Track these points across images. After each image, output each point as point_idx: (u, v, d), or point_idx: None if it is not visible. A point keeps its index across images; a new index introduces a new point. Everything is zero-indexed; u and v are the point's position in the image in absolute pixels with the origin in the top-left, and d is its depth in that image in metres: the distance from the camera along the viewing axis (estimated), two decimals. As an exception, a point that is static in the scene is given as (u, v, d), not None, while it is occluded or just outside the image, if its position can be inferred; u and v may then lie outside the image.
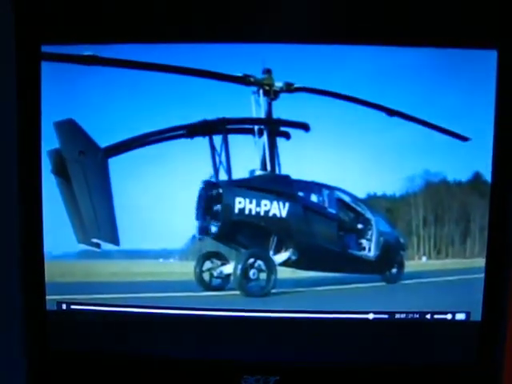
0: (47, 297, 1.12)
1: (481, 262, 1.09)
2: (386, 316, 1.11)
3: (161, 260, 1.18)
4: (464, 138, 1.07)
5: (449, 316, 1.11)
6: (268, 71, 1.09)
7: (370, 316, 1.11)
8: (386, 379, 1.11)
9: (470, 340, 1.10)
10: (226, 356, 1.12)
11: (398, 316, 1.11)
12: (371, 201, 1.15)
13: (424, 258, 1.20)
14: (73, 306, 1.13)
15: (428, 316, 1.11)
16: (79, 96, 1.09)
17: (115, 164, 1.10)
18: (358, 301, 1.13)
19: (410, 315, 1.11)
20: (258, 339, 1.12)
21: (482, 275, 1.08)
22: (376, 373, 1.11)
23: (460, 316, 1.11)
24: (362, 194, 1.14)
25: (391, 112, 1.07)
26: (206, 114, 1.09)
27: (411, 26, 1.04)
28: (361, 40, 1.05)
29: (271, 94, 1.12)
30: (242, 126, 1.15)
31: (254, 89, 1.12)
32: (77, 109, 1.09)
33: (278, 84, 1.11)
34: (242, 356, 1.12)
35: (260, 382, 1.11)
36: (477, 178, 1.08)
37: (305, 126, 1.08)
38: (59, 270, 1.12)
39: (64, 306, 1.13)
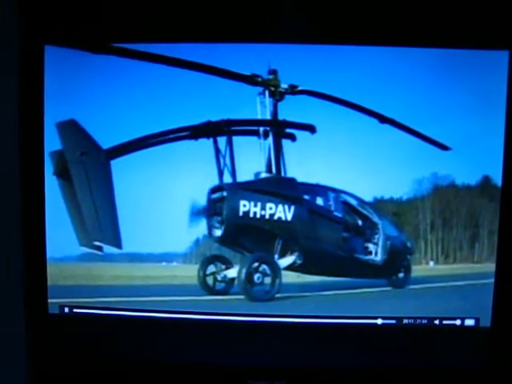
0: (50, 300, 1.11)
1: (490, 267, 1.08)
2: (394, 321, 1.10)
3: (164, 263, 1.16)
4: (445, 148, 1.06)
5: (458, 322, 1.10)
6: (274, 72, 1.07)
7: (379, 321, 1.10)
8: (394, 384, 1.10)
9: (479, 346, 1.09)
10: (232, 361, 1.11)
11: (406, 321, 1.10)
12: (378, 204, 1.14)
13: (431, 263, 1.19)
14: (75, 310, 1.13)
15: (437, 321, 1.10)
16: (81, 97, 1.08)
17: (118, 165, 1.09)
18: (366, 306, 1.12)
19: (419, 320, 1.10)
20: (264, 344, 1.11)
21: (492, 280, 1.07)
22: (383, 378, 1.10)
23: (469, 322, 1.10)
24: (368, 197, 1.12)
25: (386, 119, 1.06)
26: (211, 115, 1.07)
27: (421, 27, 1.03)
28: (367, 41, 1.04)
29: (277, 95, 1.10)
30: (247, 127, 1.13)
31: (260, 89, 1.10)
32: (79, 109, 1.08)
33: (284, 85, 1.10)
34: (248, 361, 1.11)
35: (265, 387, 1.10)
36: (486, 181, 1.06)
37: (311, 128, 1.06)
38: (61, 273, 1.11)
39: (66, 310, 1.13)
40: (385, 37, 1.03)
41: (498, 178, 1.05)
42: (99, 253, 1.10)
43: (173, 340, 1.12)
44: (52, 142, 1.09)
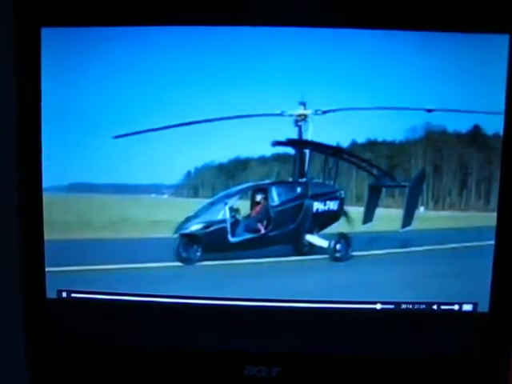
0: (47, 284, 1.10)
1: (474, 215, 1.14)
2: (392, 306, 1.10)
3: (153, 195, 1.19)
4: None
5: (456, 307, 1.10)
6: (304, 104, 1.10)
7: (378, 306, 1.10)
8: (392, 370, 1.10)
9: (476, 331, 1.09)
10: (229, 346, 1.11)
11: (404, 306, 1.10)
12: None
13: (422, 208, 1.21)
14: (73, 295, 1.12)
15: (435, 307, 1.10)
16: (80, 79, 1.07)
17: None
18: (365, 290, 1.12)
19: (417, 306, 1.10)
20: (262, 329, 1.10)
21: (490, 263, 1.07)
22: (381, 363, 1.10)
23: (467, 307, 1.10)
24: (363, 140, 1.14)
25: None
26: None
27: (420, 11, 1.02)
28: (368, 24, 1.03)
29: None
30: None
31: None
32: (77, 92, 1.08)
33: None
34: (245, 346, 1.11)
35: (263, 373, 1.10)
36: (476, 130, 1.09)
37: None
38: (52, 208, 1.10)
39: (64, 294, 1.12)
40: (385, 20, 1.02)
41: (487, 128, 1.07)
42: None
43: (171, 325, 1.11)
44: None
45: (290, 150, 1.18)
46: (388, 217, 1.25)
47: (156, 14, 1.04)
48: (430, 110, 1.06)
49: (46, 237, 1.09)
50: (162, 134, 1.08)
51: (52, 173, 1.08)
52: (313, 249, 1.22)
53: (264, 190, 1.23)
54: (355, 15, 1.03)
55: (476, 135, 1.09)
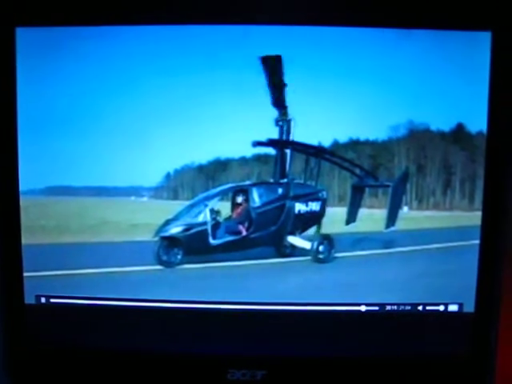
0: (26, 290, 1.09)
1: (459, 215, 1.14)
2: (377, 308, 1.09)
3: (132, 198, 1.17)
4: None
5: (441, 307, 1.09)
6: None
7: (363, 308, 1.09)
8: (378, 372, 1.09)
9: (462, 332, 1.09)
10: (212, 350, 1.10)
11: (389, 308, 1.09)
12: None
13: (406, 208, 1.20)
14: (52, 300, 1.11)
15: (420, 308, 1.09)
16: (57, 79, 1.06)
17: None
18: (349, 292, 1.11)
19: (402, 307, 1.09)
20: (245, 332, 1.10)
21: (475, 264, 1.06)
22: (367, 365, 1.09)
23: (453, 307, 1.09)
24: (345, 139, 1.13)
25: None
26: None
27: (403, 8, 1.01)
28: (356, 22, 1.02)
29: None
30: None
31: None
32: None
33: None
34: (228, 349, 1.10)
35: (246, 377, 1.09)
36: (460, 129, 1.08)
37: None
38: (29, 212, 1.08)
39: (43, 300, 1.10)
40: (365, 18, 1.02)
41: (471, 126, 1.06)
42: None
43: (153, 328, 1.10)
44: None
45: (271, 151, 1.16)
46: (371, 217, 1.24)
47: (132, 14, 1.02)
48: None
49: (23, 241, 1.08)
50: (140, 136, 1.07)
51: (29, 176, 1.07)
52: (295, 250, 1.21)
53: (245, 191, 1.22)
54: (337, 13, 1.02)
55: (460, 133, 1.08)
